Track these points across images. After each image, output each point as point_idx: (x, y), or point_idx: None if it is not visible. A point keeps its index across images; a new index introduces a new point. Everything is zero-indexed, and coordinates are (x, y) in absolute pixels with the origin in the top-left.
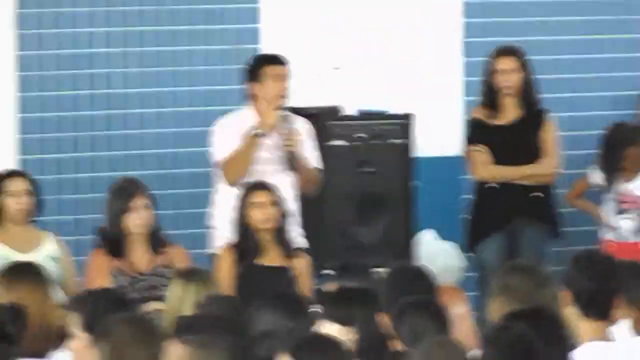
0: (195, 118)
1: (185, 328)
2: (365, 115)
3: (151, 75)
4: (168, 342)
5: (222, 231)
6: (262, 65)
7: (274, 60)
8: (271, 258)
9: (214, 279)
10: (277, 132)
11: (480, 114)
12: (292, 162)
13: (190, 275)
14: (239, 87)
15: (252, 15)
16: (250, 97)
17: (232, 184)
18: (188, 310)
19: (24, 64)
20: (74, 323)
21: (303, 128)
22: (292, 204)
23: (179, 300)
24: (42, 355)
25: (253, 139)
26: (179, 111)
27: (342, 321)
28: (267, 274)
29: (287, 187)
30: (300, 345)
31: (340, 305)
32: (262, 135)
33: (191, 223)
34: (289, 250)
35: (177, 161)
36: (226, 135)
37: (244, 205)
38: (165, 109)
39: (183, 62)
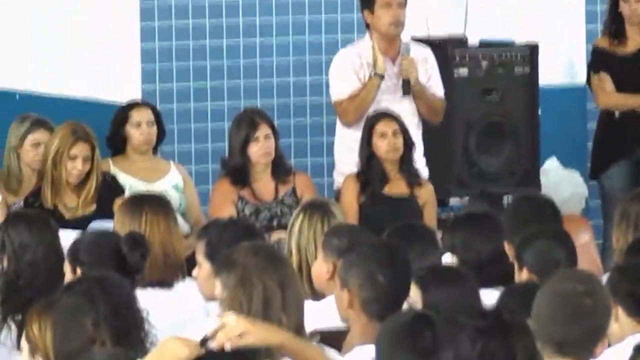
0: (317, 47)
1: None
2: (490, 45)
3: (274, 5)
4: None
5: (346, 160)
6: None
7: None
8: (396, 187)
9: (337, 209)
10: (396, 61)
11: (604, 43)
12: (410, 89)
13: (313, 206)
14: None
15: None
16: (367, 26)
17: (349, 125)
18: (309, 240)
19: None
20: (199, 251)
21: (426, 56)
22: (415, 132)
23: (301, 230)
24: (166, 284)
25: (372, 81)
26: (300, 39)
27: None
28: (392, 204)
29: (409, 115)
30: (426, 276)
31: (459, 232)
32: (382, 77)
33: (316, 152)
34: (413, 180)
35: (299, 90)
36: (343, 73)
37: (369, 135)
38: (286, 38)
39: None
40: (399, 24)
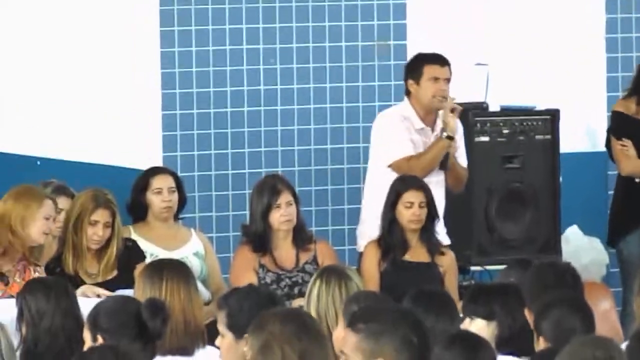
0: (338, 114)
1: (357, 318)
2: (511, 111)
3: (293, 71)
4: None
5: (370, 228)
6: (422, 64)
7: (435, 60)
8: (417, 255)
9: (354, 274)
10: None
11: (624, 108)
12: (447, 161)
13: (330, 271)
14: (381, 83)
15: (400, 11)
16: (407, 94)
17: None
18: (328, 306)
19: (165, 61)
20: (220, 322)
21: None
22: (440, 203)
23: (319, 296)
24: (186, 352)
25: (442, 142)
26: (322, 107)
27: (485, 316)
28: (413, 270)
29: (437, 186)
30: (448, 343)
31: (482, 301)
32: (452, 138)
33: (337, 220)
34: (434, 249)
35: (321, 158)
36: (397, 133)
37: (393, 202)
38: (308, 106)
39: (325, 59)
40: (443, 99)
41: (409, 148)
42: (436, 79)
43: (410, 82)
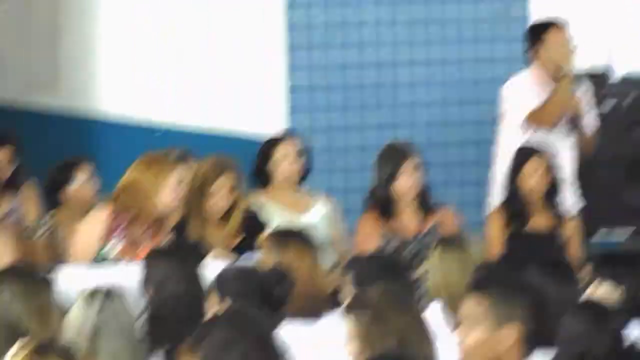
0: (464, 83)
1: (483, 286)
2: (635, 78)
3: (420, 39)
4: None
5: (496, 195)
6: (543, 30)
7: (554, 24)
8: (540, 222)
9: (470, 247)
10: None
11: None
12: (576, 125)
13: (447, 243)
14: (504, 54)
15: None
16: (532, 61)
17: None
18: (444, 275)
19: (293, 29)
20: (346, 285)
21: (586, 90)
22: (570, 168)
23: (435, 266)
24: (312, 317)
25: (563, 82)
26: (448, 76)
27: (612, 281)
28: (536, 239)
29: (566, 148)
30: (576, 311)
31: (609, 266)
32: (569, 76)
33: (461, 185)
34: (558, 216)
35: (446, 126)
36: (524, 92)
37: (516, 170)
38: (434, 73)
39: (452, 26)
40: (571, 60)
41: (533, 103)
42: (558, 41)
43: (534, 49)
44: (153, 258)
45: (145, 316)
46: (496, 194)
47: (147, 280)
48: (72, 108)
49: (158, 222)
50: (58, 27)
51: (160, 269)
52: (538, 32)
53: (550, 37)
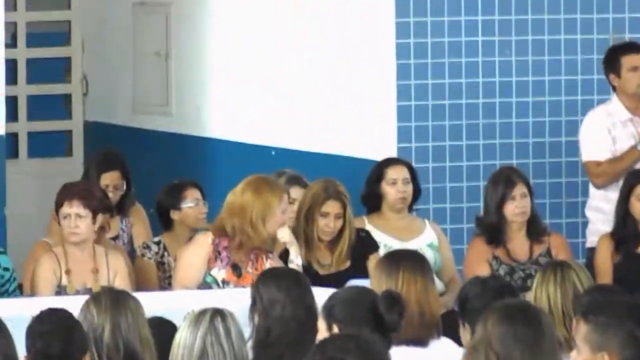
0: (573, 107)
1: (588, 310)
2: None
3: (528, 63)
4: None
5: (599, 221)
6: (618, 55)
7: (630, 49)
8: None
9: (581, 271)
10: None
11: None
12: None
13: (558, 268)
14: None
15: (636, 4)
16: (613, 89)
17: (599, 187)
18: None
19: (401, 52)
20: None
21: None
22: None
23: (545, 292)
24: (420, 343)
25: (633, 154)
26: (557, 100)
27: None
28: None
29: None
30: None
31: None
32: None
33: (571, 212)
34: None
35: (555, 150)
36: (597, 134)
37: (626, 195)
38: (542, 98)
39: (557, 51)
40: None
41: (603, 151)
42: (636, 67)
43: (612, 76)
44: (261, 282)
45: (252, 340)
46: (595, 219)
47: (255, 304)
48: (182, 130)
49: (265, 247)
50: (169, 50)
51: (268, 293)
52: (613, 59)
53: (625, 62)
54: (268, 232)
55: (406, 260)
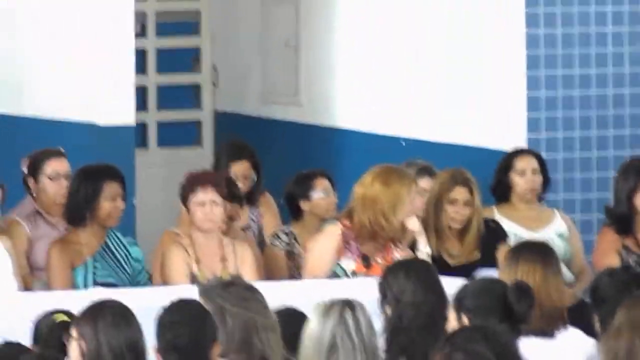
0: None
1: None
2: None
3: None
4: None
5: None
6: None
7: None
8: None
9: None
10: None
11: None
12: None
13: None
14: None
15: None
16: None
17: None
18: None
19: (531, 41)
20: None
21: None
22: None
23: None
24: (545, 334)
25: None
26: None
27: None
28: None
29: None
30: None
31: None
32: None
33: None
34: None
35: None
36: None
37: None
38: None
39: None
40: None
41: None
42: None
43: None
44: (390, 273)
45: (383, 330)
46: None
47: (385, 297)
48: (311, 120)
49: (397, 237)
50: (298, 40)
51: (397, 282)
52: None
53: None
54: (399, 223)
55: (526, 252)
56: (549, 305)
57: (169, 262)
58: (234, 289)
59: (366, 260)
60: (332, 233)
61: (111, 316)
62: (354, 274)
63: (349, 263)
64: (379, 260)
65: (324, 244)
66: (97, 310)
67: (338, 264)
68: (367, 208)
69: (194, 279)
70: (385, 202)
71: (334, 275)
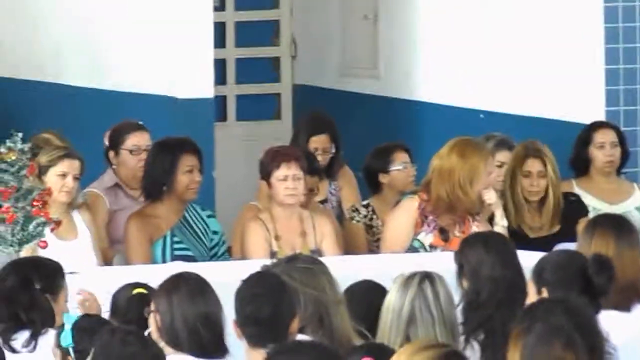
0: None
1: None
2: None
3: None
4: None
5: None
6: None
7: None
8: None
9: None
10: None
11: None
12: None
13: None
14: None
15: None
16: None
17: None
18: None
19: (609, 15)
20: None
21: None
22: None
23: None
24: (625, 308)
25: None
26: None
27: None
28: None
29: None
30: None
31: None
32: None
33: None
34: None
35: None
36: None
37: None
38: None
39: None
40: None
41: None
42: None
43: None
44: (467, 246)
45: (461, 303)
46: None
47: (462, 269)
48: (390, 93)
49: (474, 210)
50: (377, 13)
51: (475, 255)
52: None
53: None
54: (476, 196)
55: (601, 225)
56: (623, 279)
57: (248, 238)
58: (299, 264)
59: (444, 234)
60: (410, 207)
61: (187, 290)
62: (432, 247)
63: (427, 237)
64: (457, 233)
65: (401, 218)
66: (174, 284)
67: (416, 238)
68: (444, 180)
69: (273, 256)
70: (462, 174)
71: (412, 249)
